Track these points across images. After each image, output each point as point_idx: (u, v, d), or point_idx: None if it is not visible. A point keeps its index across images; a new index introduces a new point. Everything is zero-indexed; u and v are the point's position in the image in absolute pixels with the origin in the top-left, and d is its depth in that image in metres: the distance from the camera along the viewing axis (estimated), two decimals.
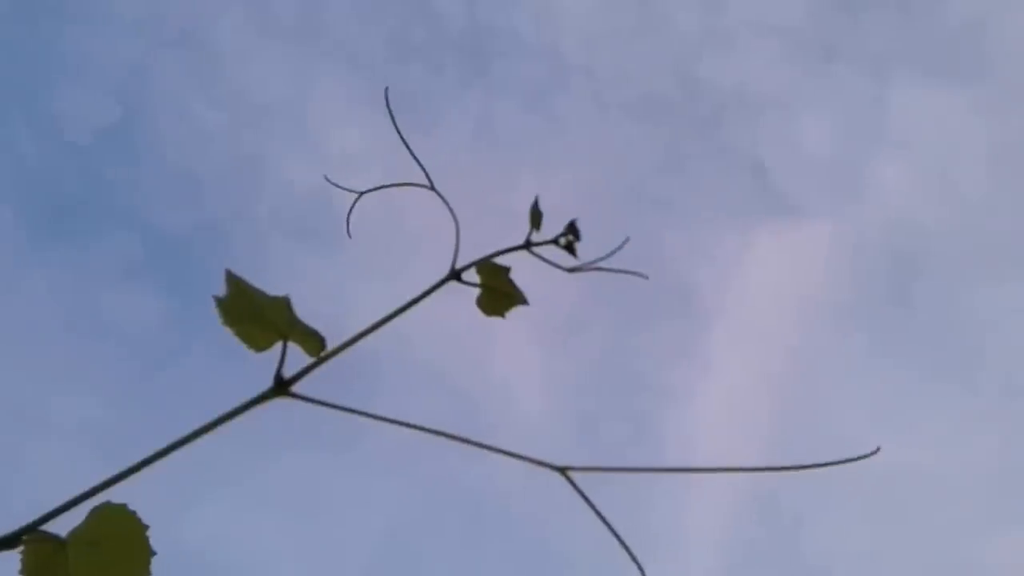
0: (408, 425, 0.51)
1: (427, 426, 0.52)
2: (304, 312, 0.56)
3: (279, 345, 0.53)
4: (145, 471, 0.52)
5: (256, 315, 0.52)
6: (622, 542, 0.52)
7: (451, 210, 0.63)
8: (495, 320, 0.61)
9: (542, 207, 0.64)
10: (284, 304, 0.52)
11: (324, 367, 0.55)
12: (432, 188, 0.66)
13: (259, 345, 0.54)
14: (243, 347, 0.54)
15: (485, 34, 4.36)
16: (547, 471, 0.50)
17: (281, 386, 0.53)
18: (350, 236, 0.73)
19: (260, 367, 0.54)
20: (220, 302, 0.52)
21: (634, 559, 0.53)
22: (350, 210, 0.72)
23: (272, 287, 0.56)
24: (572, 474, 0.49)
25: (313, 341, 0.53)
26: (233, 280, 0.51)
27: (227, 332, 0.54)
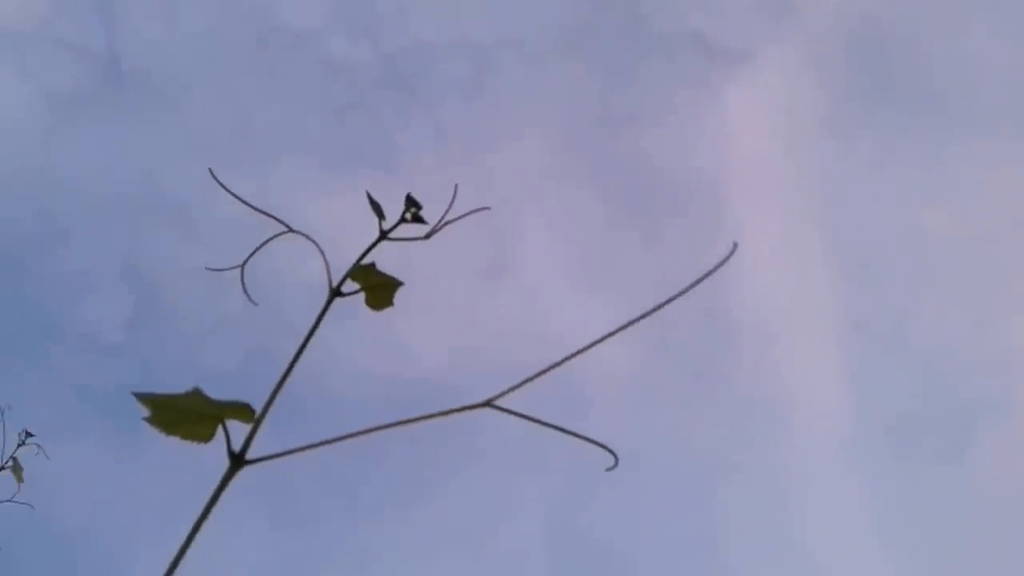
0: (353, 436, 0.57)
1: (368, 428, 0.57)
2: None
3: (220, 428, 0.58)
4: None
5: (185, 414, 0.57)
6: (585, 438, 0.58)
7: (315, 243, 0.68)
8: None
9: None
10: (198, 394, 0.57)
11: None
12: (292, 230, 0.71)
13: (205, 436, 0.59)
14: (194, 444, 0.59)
15: (398, 59, 4.41)
16: (478, 411, 0.55)
17: (237, 460, 0.58)
18: (256, 304, 0.78)
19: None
20: (150, 420, 0.57)
21: (604, 447, 0.58)
22: (243, 284, 0.76)
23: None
24: (498, 402, 0.55)
25: (244, 411, 0.58)
26: (143, 398, 0.56)
27: (175, 440, 0.59)
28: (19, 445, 1.51)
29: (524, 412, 0.56)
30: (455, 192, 0.61)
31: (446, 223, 0.63)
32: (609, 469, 0.58)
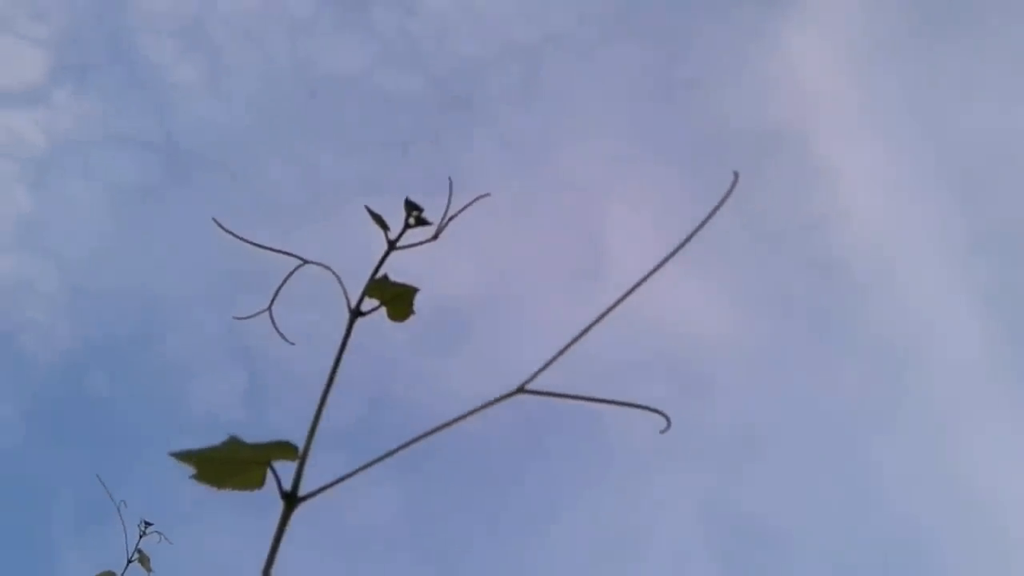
0: (396, 451, 0.55)
1: (408, 440, 0.55)
2: None
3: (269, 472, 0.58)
4: None
5: (230, 465, 0.57)
6: (630, 404, 0.55)
7: (331, 269, 0.67)
8: None
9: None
10: (237, 442, 0.56)
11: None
12: (307, 262, 0.70)
13: (256, 482, 0.58)
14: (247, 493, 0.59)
15: (446, 81, 4.43)
16: (511, 399, 0.53)
17: (290, 498, 0.57)
18: (292, 343, 0.77)
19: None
20: (198, 478, 0.57)
21: (653, 410, 0.56)
22: (274, 327, 0.76)
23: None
24: (529, 386, 0.53)
25: (287, 450, 0.57)
26: (183, 457, 0.56)
27: (227, 492, 0.59)
28: (141, 536, 1.56)
29: (608, 397, 0.55)
30: (451, 187, 0.60)
31: (450, 219, 0.61)
32: (663, 431, 0.55)
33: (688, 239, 0.52)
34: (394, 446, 0.59)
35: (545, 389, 0.53)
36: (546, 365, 0.53)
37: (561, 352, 0.52)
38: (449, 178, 0.59)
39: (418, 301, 0.63)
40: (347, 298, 0.62)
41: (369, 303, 0.62)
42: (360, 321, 0.68)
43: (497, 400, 0.53)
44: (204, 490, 0.58)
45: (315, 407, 0.59)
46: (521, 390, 0.53)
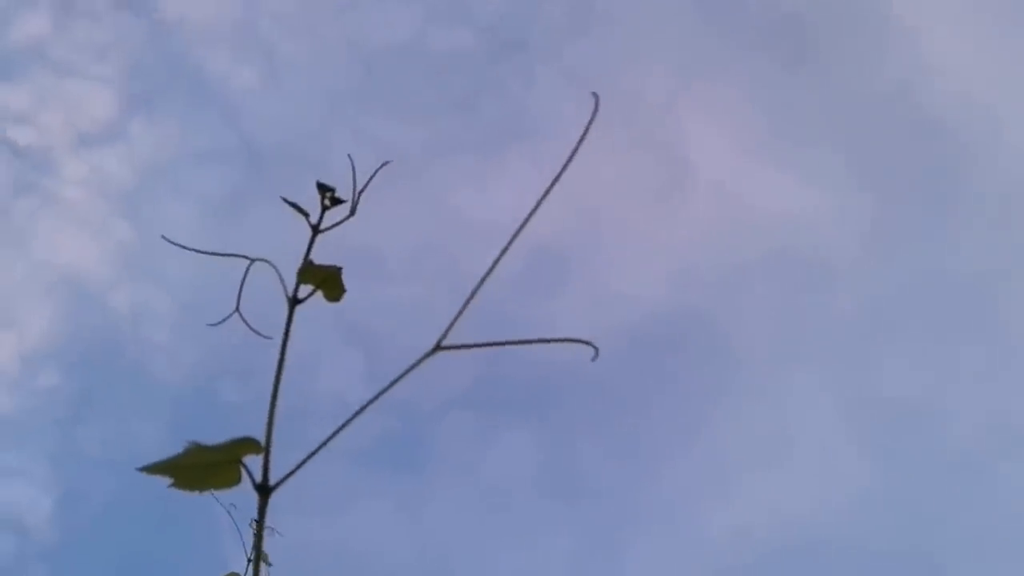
0: (349, 422, 0.58)
1: (355, 412, 0.58)
2: None
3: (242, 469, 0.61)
4: None
5: (203, 469, 0.60)
6: (555, 340, 0.57)
7: (271, 264, 0.69)
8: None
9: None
10: (201, 447, 0.59)
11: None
12: (253, 260, 0.72)
13: (233, 480, 0.61)
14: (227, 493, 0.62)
15: (497, 27, 4.41)
16: (432, 357, 0.55)
17: (263, 489, 0.60)
18: (268, 338, 0.80)
19: None
20: (176, 486, 0.60)
21: (579, 341, 0.57)
22: (247, 324, 0.79)
23: None
24: (445, 343, 0.54)
25: (253, 446, 0.60)
26: (156, 469, 0.59)
27: (210, 495, 0.62)
28: (254, 533, 1.65)
29: (530, 337, 0.56)
30: (352, 163, 0.61)
31: (360, 193, 0.63)
32: (593, 359, 0.56)
33: (566, 166, 0.52)
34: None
35: (462, 343, 0.54)
36: (456, 317, 0.54)
37: (467, 303, 0.54)
38: (349, 155, 0.60)
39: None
40: (285, 288, 0.65)
41: (305, 289, 0.64)
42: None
43: (418, 362, 0.54)
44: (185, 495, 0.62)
45: (273, 400, 0.61)
46: (439, 347, 0.54)
